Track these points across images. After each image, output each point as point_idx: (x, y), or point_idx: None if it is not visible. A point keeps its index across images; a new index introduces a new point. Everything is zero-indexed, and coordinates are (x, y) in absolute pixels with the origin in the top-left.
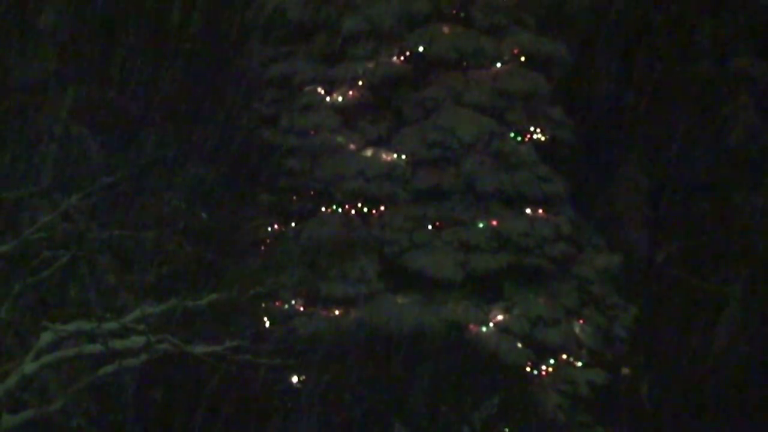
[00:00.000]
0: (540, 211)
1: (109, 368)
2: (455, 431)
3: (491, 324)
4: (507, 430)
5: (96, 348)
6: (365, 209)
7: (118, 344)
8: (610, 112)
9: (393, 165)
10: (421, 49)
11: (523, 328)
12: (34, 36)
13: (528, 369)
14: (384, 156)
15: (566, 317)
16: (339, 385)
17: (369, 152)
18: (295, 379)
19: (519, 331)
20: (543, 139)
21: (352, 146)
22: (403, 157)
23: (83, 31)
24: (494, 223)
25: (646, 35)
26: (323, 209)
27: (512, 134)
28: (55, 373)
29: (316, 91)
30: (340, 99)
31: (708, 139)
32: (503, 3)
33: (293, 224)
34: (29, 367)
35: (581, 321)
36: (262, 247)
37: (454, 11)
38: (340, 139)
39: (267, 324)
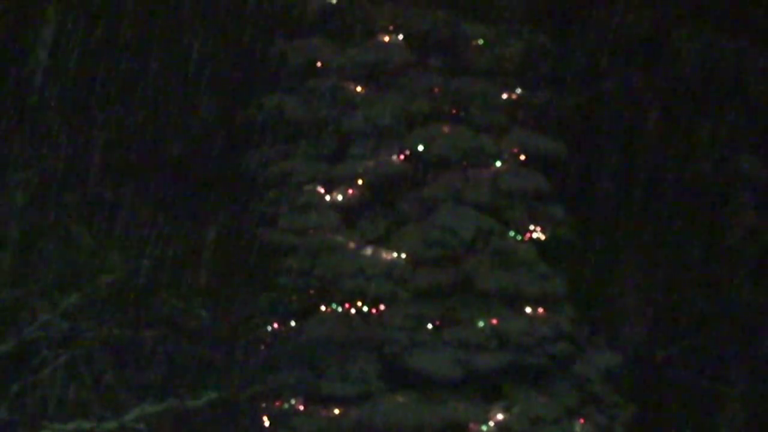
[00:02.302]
0: (540, 309)
1: None
2: None
3: (491, 423)
4: None
5: None
6: (365, 308)
7: None
8: (609, 210)
9: (392, 264)
10: (420, 148)
11: (523, 428)
12: (35, 137)
13: None
14: (383, 255)
15: (567, 416)
16: None
17: (368, 251)
18: None
19: (519, 430)
20: (543, 237)
21: (351, 245)
22: (403, 255)
23: (84, 132)
24: (494, 322)
25: (645, 135)
26: (323, 308)
27: (512, 233)
28: None
29: (315, 190)
30: (339, 198)
31: (708, 238)
32: (502, 102)
33: (293, 323)
34: None
35: (582, 420)
36: (262, 346)
37: (454, 110)
38: (339, 238)
39: (267, 423)
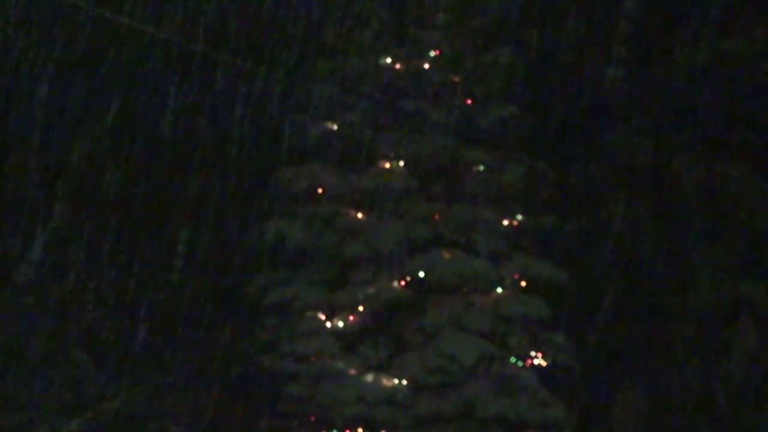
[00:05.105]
0: None
1: None
2: None
3: None
4: None
5: None
6: None
7: None
8: (610, 336)
9: (394, 390)
10: (421, 274)
11: None
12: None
13: None
14: (385, 381)
15: None
16: None
17: (370, 378)
18: None
19: None
20: (544, 363)
21: (352, 372)
22: (404, 382)
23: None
24: None
25: (646, 260)
26: None
27: (513, 359)
28: None
29: (316, 317)
30: (340, 324)
31: (709, 363)
32: (503, 228)
33: None
34: None
35: None
36: None
37: (455, 236)
38: (340, 364)
39: None
